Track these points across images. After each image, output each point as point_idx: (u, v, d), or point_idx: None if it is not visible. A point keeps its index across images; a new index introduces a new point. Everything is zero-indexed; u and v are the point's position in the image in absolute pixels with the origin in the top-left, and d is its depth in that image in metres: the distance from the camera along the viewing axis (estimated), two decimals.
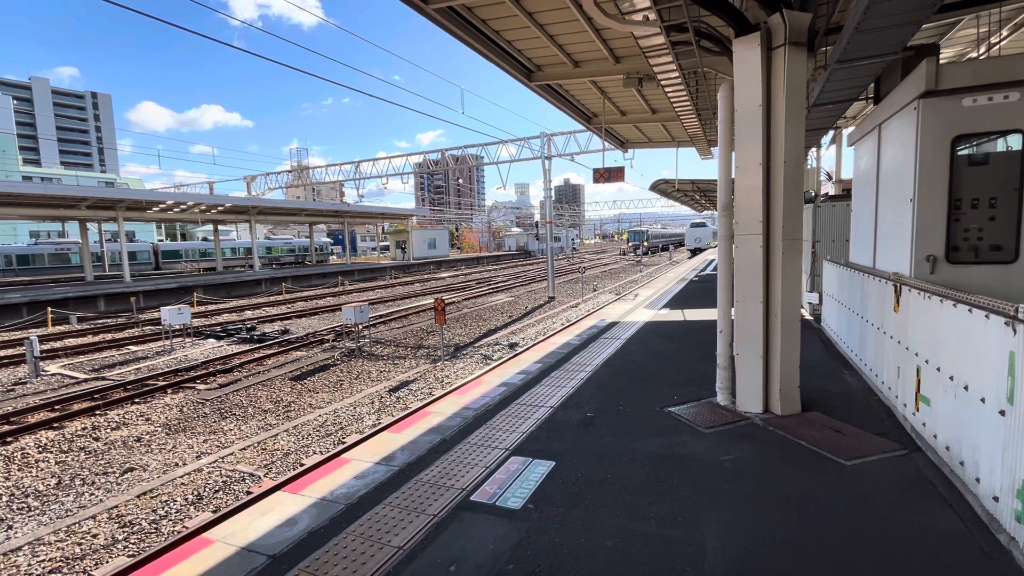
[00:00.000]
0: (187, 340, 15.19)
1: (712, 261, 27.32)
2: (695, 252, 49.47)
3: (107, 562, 4.93)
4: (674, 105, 10.65)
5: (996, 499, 2.98)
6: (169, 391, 10.15)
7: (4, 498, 6.21)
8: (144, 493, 6.24)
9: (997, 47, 7.99)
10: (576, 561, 2.94)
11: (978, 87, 4.17)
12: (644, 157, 70.89)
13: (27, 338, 11.63)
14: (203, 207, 31.25)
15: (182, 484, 6.46)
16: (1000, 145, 4.33)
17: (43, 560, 4.98)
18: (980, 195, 4.32)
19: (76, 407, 9.13)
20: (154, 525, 5.55)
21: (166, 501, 6.03)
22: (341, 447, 6.70)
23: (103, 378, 11.20)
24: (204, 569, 3.08)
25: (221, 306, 23.23)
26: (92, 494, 6.30)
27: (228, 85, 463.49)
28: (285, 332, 16.02)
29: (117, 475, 6.79)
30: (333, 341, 14.51)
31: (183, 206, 30.06)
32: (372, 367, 11.91)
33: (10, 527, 5.60)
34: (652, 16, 5.87)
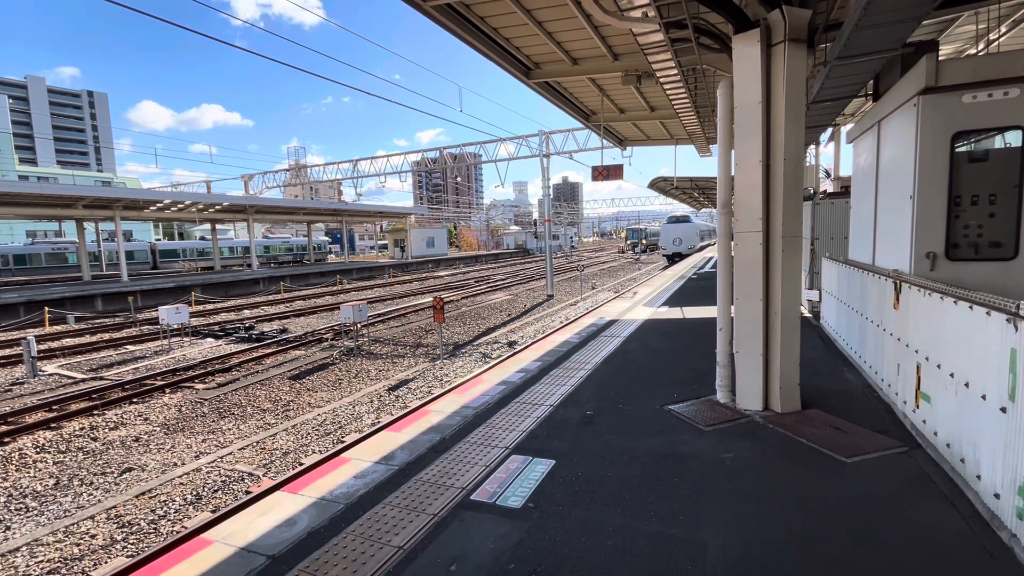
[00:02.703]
0: (185, 340, 15.14)
1: (711, 259, 27.31)
2: (674, 259, 32.76)
3: (106, 562, 4.91)
4: (673, 103, 10.62)
5: (997, 496, 2.97)
6: (167, 391, 10.12)
7: (2, 499, 6.18)
8: (143, 493, 6.22)
9: (996, 43, 7.99)
10: (577, 560, 2.93)
11: (978, 83, 4.17)
12: (643, 155, 71.08)
13: (24, 338, 11.59)
14: (200, 206, 31.17)
15: (181, 484, 6.44)
16: (999, 142, 4.33)
17: (41, 561, 4.96)
18: (980, 192, 4.33)
19: (74, 407, 9.10)
20: (153, 525, 5.54)
21: (165, 501, 6.02)
22: (340, 446, 6.69)
23: (101, 378, 11.17)
24: (203, 570, 3.07)
25: (219, 305, 23.17)
26: (90, 494, 6.28)
27: (228, 85, 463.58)
28: (283, 331, 15.99)
29: (115, 475, 6.77)
30: (332, 340, 14.48)
31: (180, 205, 29.97)
32: (371, 366, 11.90)
33: (8, 528, 5.58)
34: (651, 13, 5.84)
